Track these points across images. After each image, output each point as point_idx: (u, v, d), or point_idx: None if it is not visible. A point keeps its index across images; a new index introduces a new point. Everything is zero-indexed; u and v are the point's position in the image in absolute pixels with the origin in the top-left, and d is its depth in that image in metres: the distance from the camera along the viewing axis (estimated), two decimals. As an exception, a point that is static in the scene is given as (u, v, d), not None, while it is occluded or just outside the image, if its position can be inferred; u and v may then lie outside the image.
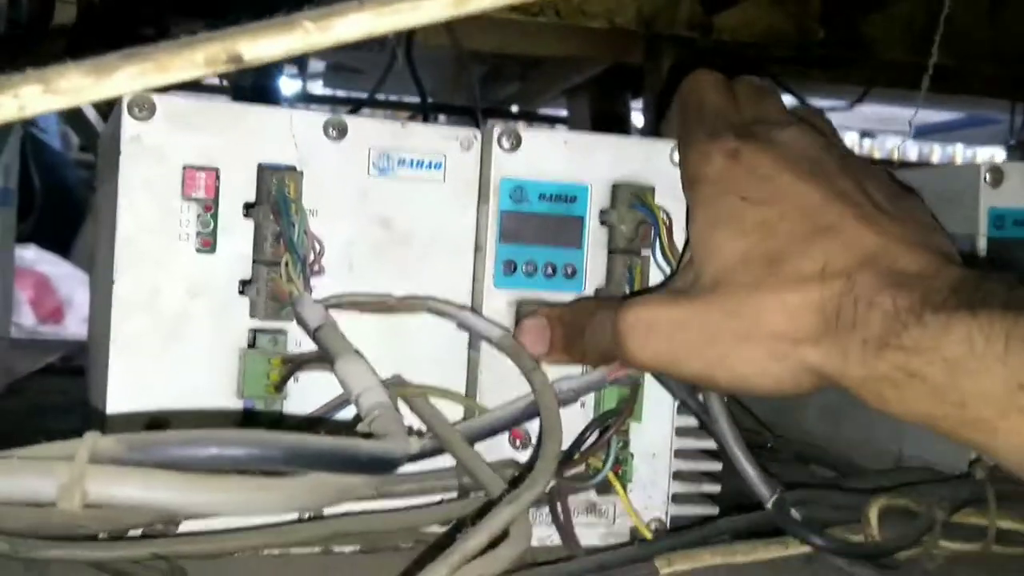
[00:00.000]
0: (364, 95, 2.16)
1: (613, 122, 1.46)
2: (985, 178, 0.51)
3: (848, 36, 1.02)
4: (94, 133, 1.00)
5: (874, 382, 0.36)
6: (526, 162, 0.47)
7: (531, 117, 2.09)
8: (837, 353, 0.37)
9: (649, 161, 0.48)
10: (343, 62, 1.96)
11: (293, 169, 0.44)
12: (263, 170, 0.44)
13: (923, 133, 3.03)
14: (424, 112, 1.23)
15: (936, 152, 4.51)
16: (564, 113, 2.01)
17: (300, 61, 1.59)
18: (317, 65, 2.14)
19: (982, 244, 0.51)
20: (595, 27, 1.03)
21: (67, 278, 2.68)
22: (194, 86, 0.89)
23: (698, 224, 0.43)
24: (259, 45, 0.25)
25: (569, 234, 0.47)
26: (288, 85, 2.27)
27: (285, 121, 0.45)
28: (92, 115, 1.25)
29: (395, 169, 0.46)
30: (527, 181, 0.47)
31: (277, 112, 0.45)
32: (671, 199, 0.47)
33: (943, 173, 0.55)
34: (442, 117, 1.89)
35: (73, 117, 0.89)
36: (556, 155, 0.47)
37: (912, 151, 4.49)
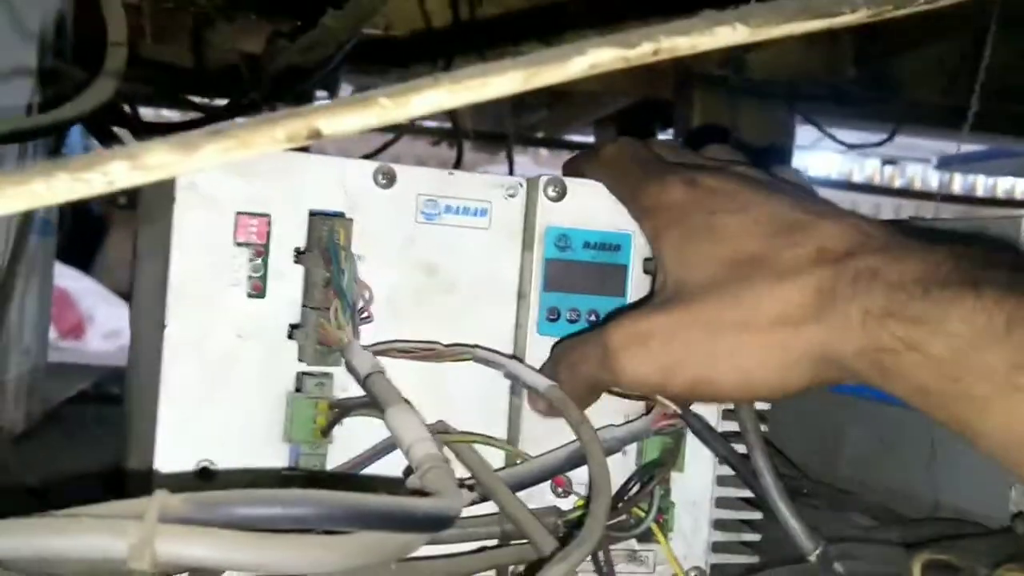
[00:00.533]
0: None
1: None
2: (1027, 230, 0.51)
3: (880, 76, 1.02)
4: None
5: (873, 352, 0.36)
6: (571, 211, 0.47)
7: (558, 144, 2.10)
8: (838, 325, 0.37)
9: (693, 211, 0.48)
10: (371, 85, 1.97)
11: (343, 216, 0.45)
12: (314, 217, 0.45)
13: (945, 163, 3.02)
14: (458, 138, 1.24)
15: (957, 181, 4.50)
16: (591, 140, 2.02)
17: (330, 86, 1.60)
18: (346, 89, 2.16)
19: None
20: (628, 63, 1.03)
21: (88, 293, 2.70)
22: (234, 108, 0.91)
23: (669, 244, 0.43)
24: (337, 121, 0.25)
25: (613, 282, 0.48)
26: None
27: (336, 169, 0.46)
28: (128, 139, 1.26)
29: (441, 216, 0.47)
30: (572, 229, 0.47)
31: (328, 160, 0.46)
32: (715, 250, 0.48)
33: (981, 224, 0.55)
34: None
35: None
36: (600, 204, 0.48)
37: (933, 179, 4.47)
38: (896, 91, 1.04)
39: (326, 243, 0.44)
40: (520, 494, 0.44)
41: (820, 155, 3.85)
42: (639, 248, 0.48)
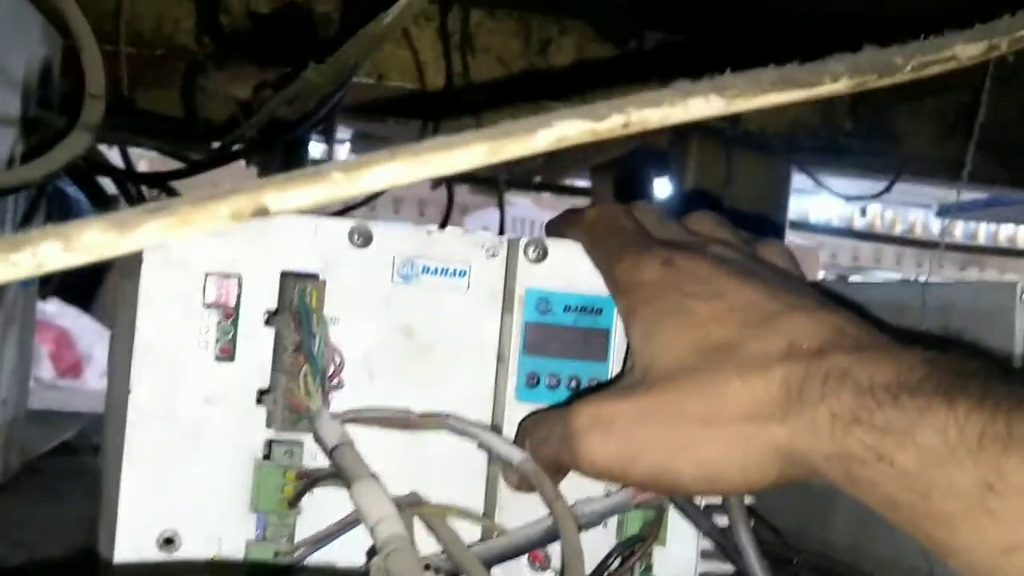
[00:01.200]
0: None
1: (635, 200, 1.46)
2: (1020, 297, 0.50)
3: (876, 128, 1.02)
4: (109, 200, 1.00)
5: (841, 460, 0.34)
6: (552, 273, 0.46)
7: (554, 188, 2.09)
8: (804, 427, 0.35)
9: (677, 275, 0.47)
10: (371, 131, 1.97)
11: (316, 278, 0.44)
12: (286, 278, 0.44)
13: (945, 211, 3.02)
14: (449, 183, 1.24)
15: (959, 227, 4.50)
16: (587, 184, 2.01)
17: (327, 129, 1.60)
18: (345, 132, 2.16)
19: (1017, 366, 0.50)
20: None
21: (88, 332, 2.69)
22: (220, 157, 0.90)
23: (640, 324, 0.42)
24: (286, 197, 0.24)
25: (594, 347, 0.46)
26: (316, 148, 2.29)
27: (310, 228, 0.44)
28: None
29: (419, 276, 0.46)
30: (553, 292, 0.46)
31: (302, 219, 0.44)
32: (699, 315, 0.46)
33: (976, 290, 0.54)
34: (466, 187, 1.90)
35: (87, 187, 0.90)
36: (582, 267, 0.46)
37: (935, 225, 4.47)
38: (893, 143, 1.03)
39: (297, 306, 0.43)
40: (496, 569, 0.43)
41: (821, 199, 3.85)
42: (622, 312, 0.46)
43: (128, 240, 0.23)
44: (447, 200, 1.20)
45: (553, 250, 0.46)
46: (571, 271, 0.46)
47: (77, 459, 0.85)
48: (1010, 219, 2.46)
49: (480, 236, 0.47)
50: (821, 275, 5.39)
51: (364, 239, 0.45)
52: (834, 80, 0.30)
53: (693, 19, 0.99)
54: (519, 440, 0.44)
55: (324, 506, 0.43)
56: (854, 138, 1.00)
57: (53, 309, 2.42)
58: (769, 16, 0.97)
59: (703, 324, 0.39)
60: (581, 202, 1.97)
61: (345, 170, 0.24)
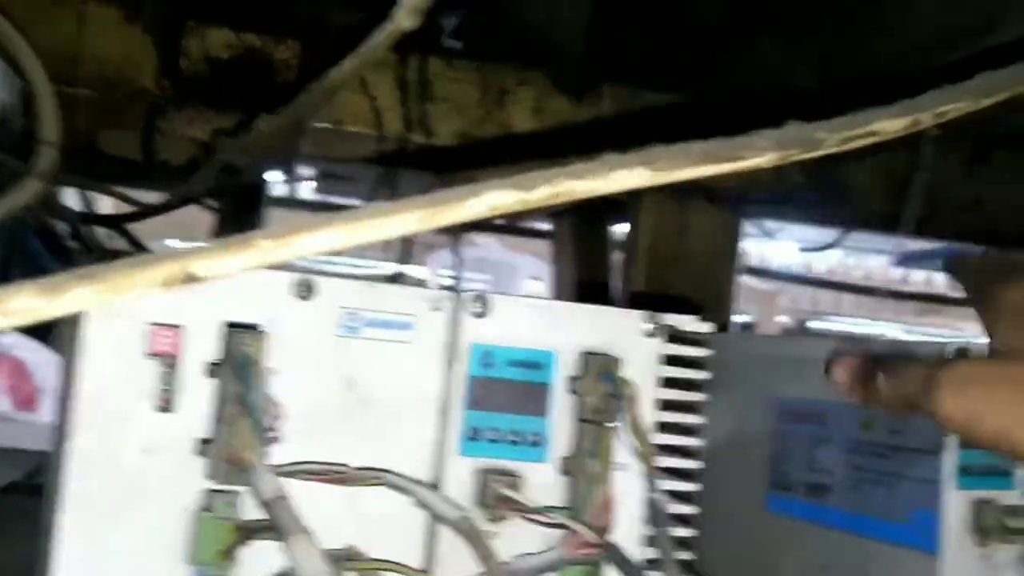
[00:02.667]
0: (356, 202, 2.18)
1: (594, 248, 1.47)
2: (951, 355, 0.51)
3: (827, 182, 1.04)
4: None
5: None
6: (495, 328, 0.47)
7: (517, 231, 2.11)
8: None
9: (620, 332, 0.48)
10: (335, 171, 1.98)
11: (257, 329, 0.44)
12: (228, 329, 0.44)
13: (909, 259, 3.06)
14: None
15: (914, 277, 4.56)
16: (549, 227, 2.03)
17: (289, 169, 1.60)
18: (309, 171, 2.16)
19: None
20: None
21: (43, 364, 2.65)
22: (176, 201, 0.90)
23: (1003, 329, 0.45)
24: (215, 264, 0.25)
25: (536, 401, 0.47)
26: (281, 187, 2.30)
27: (254, 280, 0.45)
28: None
29: (363, 329, 0.46)
30: (496, 347, 0.47)
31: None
32: (639, 372, 0.47)
33: (912, 349, 0.55)
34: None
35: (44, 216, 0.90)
36: (527, 321, 0.47)
37: (895, 274, 4.52)
38: (843, 197, 1.05)
39: (237, 357, 0.43)
40: (433, 622, 0.43)
41: (780, 247, 3.89)
42: (564, 366, 0.47)
43: (57, 305, 0.23)
44: (403, 241, 1.20)
45: (496, 305, 0.47)
46: (513, 326, 0.47)
47: (24, 500, 0.83)
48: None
49: (425, 291, 0.47)
50: (782, 319, 5.43)
51: (308, 291, 0.45)
52: (760, 154, 0.31)
53: (650, 74, 1.00)
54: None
55: (262, 559, 0.43)
56: (805, 191, 1.02)
57: (10, 340, 2.38)
58: (730, 74, 0.99)
59: None
60: (542, 245, 1.98)
61: (273, 237, 0.25)
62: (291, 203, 2.14)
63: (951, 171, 1.06)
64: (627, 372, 0.47)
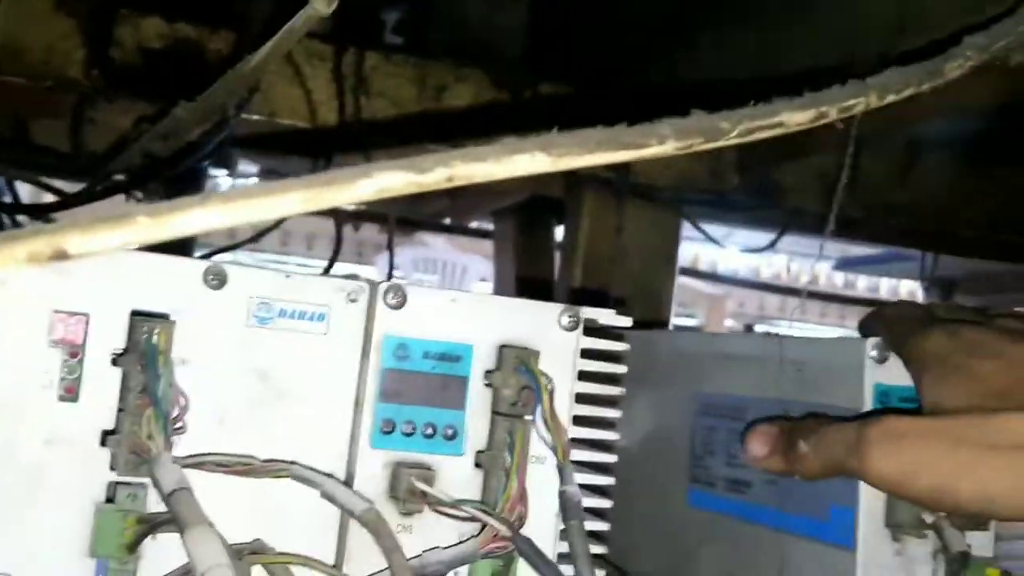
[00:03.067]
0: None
1: (536, 248, 1.47)
2: (871, 355, 0.52)
3: (762, 184, 1.04)
4: None
5: None
6: (412, 319, 0.46)
7: (463, 230, 2.10)
8: None
9: (537, 325, 0.48)
10: (275, 167, 1.96)
11: (166, 318, 0.43)
12: (136, 317, 0.43)
13: (849, 264, 3.10)
14: (336, 219, 1.22)
15: (862, 281, 4.62)
16: (491, 227, 2.03)
17: (228, 167, 1.58)
18: (250, 167, 2.14)
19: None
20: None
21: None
22: (101, 190, 0.88)
23: (929, 381, 0.46)
24: (88, 240, 0.24)
25: (451, 395, 0.46)
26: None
27: (162, 267, 0.44)
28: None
29: (276, 320, 0.45)
30: (411, 339, 0.46)
31: (154, 258, 0.44)
32: (556, 365, 0.47)
33: (829, 347, 0.55)
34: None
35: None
36: (443, 313, 0.47)
37: (838, 279, 4.58)
38: (778, 198, 1.06)
39: (144, 346, 0.42)
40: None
41: (727, 252, 3.93)
42: (480, 359, 0.47)
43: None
44: (335, 237, 1.18)
45: (413, 296, 0.46)
46: (431, 318, 0.46)
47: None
48: (903, 274, 2.54)
49: (341, 281, 0.47)
50: (729, 323, 5.48)
51: (219, 280, 0.44)
52: (660, 142, 0.31)
53: (587, 72, 1.00)
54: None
55: (167, 552, 0.42)
56: (741, 192, 1.03)
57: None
58: (664, 72, 1.00)
59: (986, 378, 0.44)
60: (489, 245, 1.98)
61: (151, 214, 0.24)
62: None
63: (885, 174, 1.07)
64: (544, 365, 0.47)
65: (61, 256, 0.23)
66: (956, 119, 1.04)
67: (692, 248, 3.49)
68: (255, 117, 0.91)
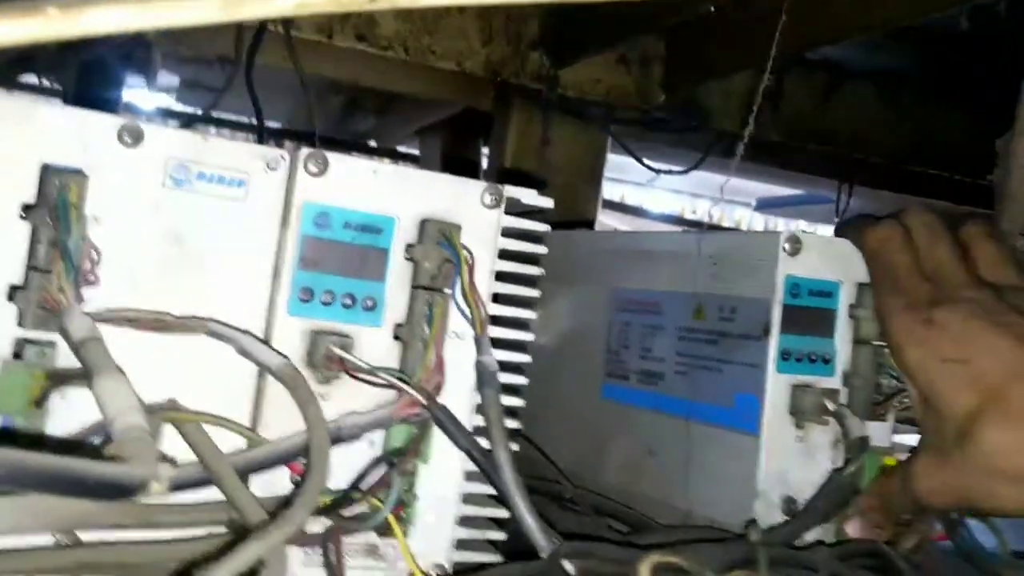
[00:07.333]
0: (220, 114, 2.11)
1: (462, 165, 1.47)
2: (784, 248, 0.53)
3: (687, 103, 1.05)
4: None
5: None
6: (333, 188, 0.46)
7: (382, 152, 2.08)
8: None
9: (459, 200, 0.48)
10: (197, 79, 1.91)
11: (79, 173, 0.42)
12: (47, 171, 0.42)
13: (768, 206, 3.16)
14: (260, 134, 1.20)
15: (781, 225, 4.71)
16: (416, 152, 2.01)
17: (148, 75, 1.53)
18: (171, 80, 2.08)
19: (776, 311, 0.53)
20: (443, 68, 1.03)
21: None
22: (25, 87, 0.85)
23: (920, 385, 0.51)
24: (-7, 26, 0.23)
25: (372, 266, 0.46)
26: (144, 99, 2.21)
27: (76, 121, 0.42)
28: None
29: (193, 183, 0.44)
30: (333, 208, 0.46)
31: (67, 111, 0.42)
32: (477, 241, 0.47)
33: (745, 240, 0.56)
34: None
35: None
36: (365, 184, 0.46)
37: (758, 222, 4.68)
38: (703, 120, 1.07)
39: (55, 199, 0.41)
40: (255, 480, 0.42)
41: (653, 193, 3.97)
42: (402, 232, 0.46)
43: None
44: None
45: (335, 164, 0.46)
46: (353, 187, 0.46)
47: None
48: (819, 218, 2.59)
49: (261, 148, 0.46)
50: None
51: (134, 139, 0.43)
52: None
53: None
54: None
55: (74, 409, 0.42)
56: (666, 111, 1.04)
57: None
58: None
59: (967, 387, 0.49)
60: (413, 167, 1.97)
61: (63, 7, 0.23)
62: (156, 114, 2.06)
63: (806, 101, 1.09)
64: (466, 241, 0.47)
65: (-34, 41, 0.23)
66: (877, 53, 1.06)
67: (619, 189, 3.51)
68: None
